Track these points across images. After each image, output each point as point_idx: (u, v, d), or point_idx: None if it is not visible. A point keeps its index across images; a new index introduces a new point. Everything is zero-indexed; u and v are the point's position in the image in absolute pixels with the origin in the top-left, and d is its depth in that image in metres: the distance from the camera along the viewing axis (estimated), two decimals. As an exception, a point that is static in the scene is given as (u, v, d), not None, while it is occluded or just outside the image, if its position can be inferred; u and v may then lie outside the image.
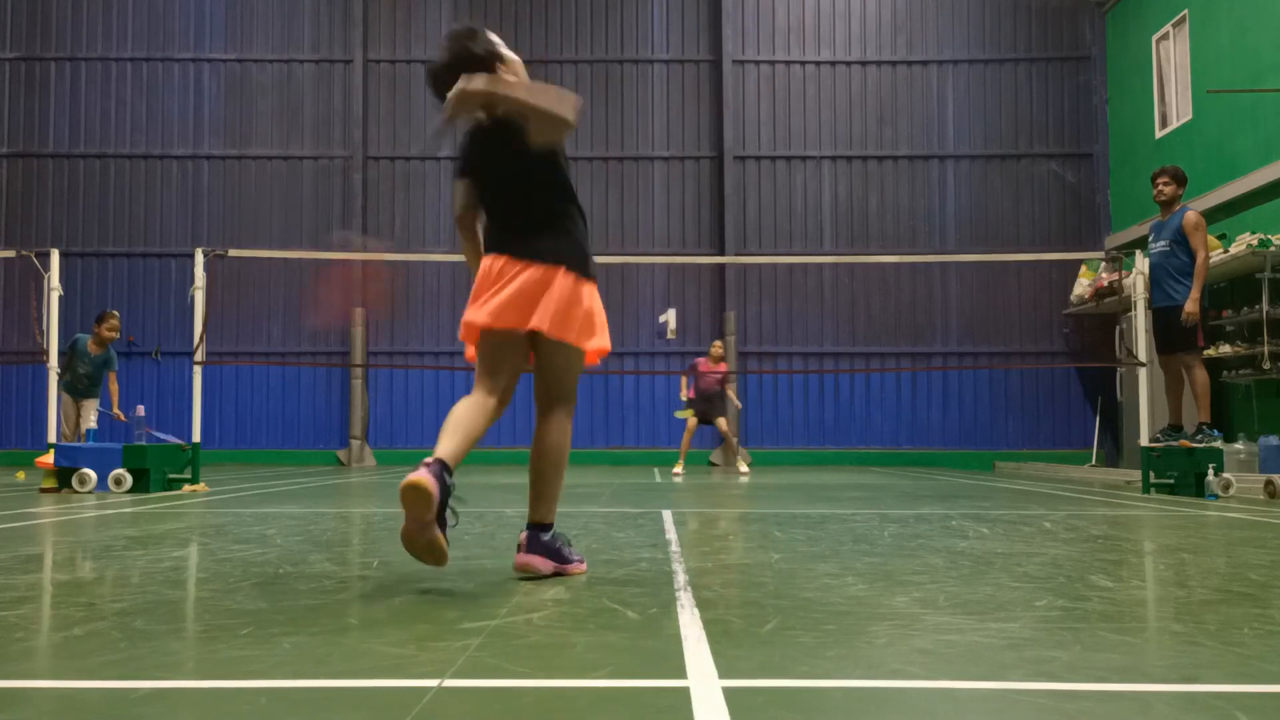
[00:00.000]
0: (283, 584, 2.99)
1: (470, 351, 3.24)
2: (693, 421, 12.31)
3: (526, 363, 3.27)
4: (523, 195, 3.20)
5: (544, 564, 3.14)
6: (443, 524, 2.84)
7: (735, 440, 12.51)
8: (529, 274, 3.09)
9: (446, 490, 2.82)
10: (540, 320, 3.06)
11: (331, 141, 17.16)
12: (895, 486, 9.00)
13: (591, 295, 3.18)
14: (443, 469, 2.83)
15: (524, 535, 3.18)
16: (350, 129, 17.02)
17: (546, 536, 3.17)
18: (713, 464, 16.38)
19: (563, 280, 3.09)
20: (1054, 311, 16.72)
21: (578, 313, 3.12)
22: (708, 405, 12.26)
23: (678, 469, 12.17)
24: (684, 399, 12.87)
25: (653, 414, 16.73)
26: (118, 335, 10.56)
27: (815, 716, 1.61)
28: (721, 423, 12.29)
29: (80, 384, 10.55)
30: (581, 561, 3.28)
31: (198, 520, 5.24)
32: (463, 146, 3.29)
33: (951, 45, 17.19)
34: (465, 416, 3.05)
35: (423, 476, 2.75)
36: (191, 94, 17.28)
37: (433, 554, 2.85)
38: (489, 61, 3.11)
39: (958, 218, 17.00)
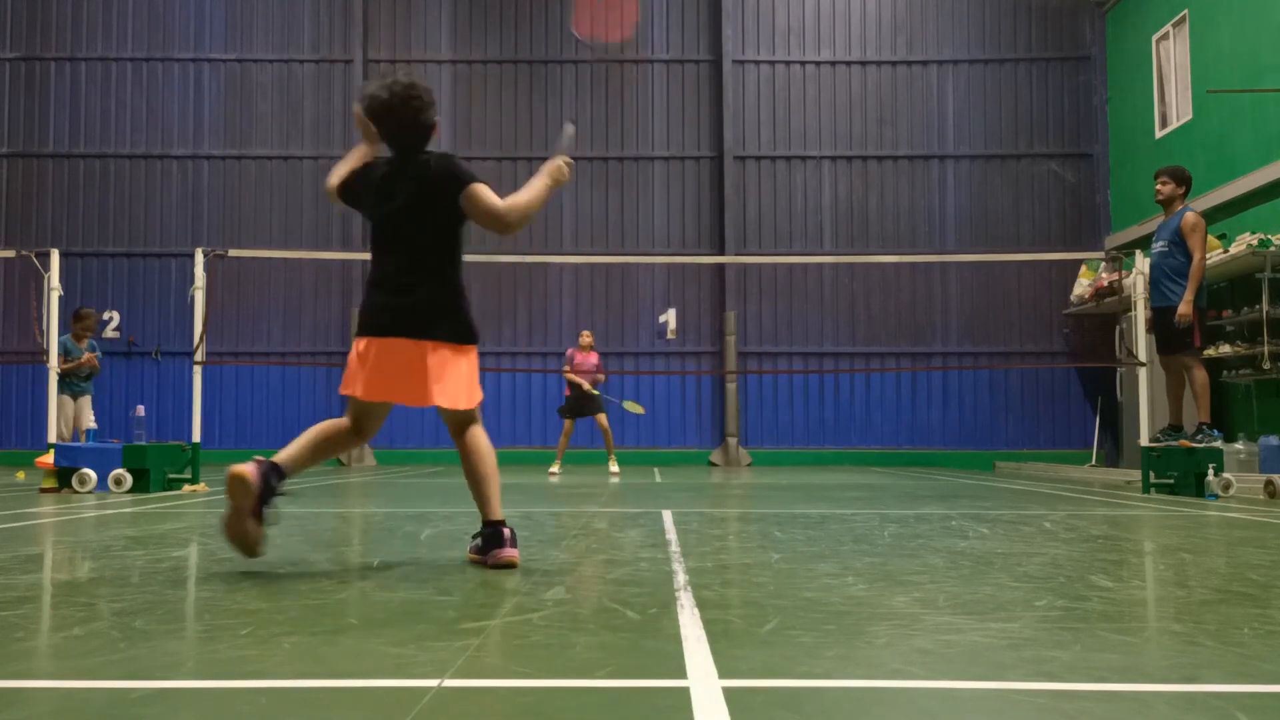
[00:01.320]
0: (283, 584, 2.99)
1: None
2: (569, 425, 12.02)
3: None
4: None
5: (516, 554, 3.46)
6: (260, 518, 3.15)
7: (611, 439, 12.07)
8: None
9: (270, 489, 3.15)
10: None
11: (331, 141, 17.16)
12: (895, 486, 9.00)
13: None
14: (272, 470, 3.15)
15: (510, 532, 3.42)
16: (350, 129, 17.00)
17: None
18: (713, 464, 16.38)
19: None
20: (1054, 311, 16.72)
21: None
22: (583, 401, 11.91)
23: (554, 468, 11.89)
24: (634, 409, 12.79)
25: (652, 414, 16.71)
26: (90, 334, 10.68)
27: (815, 716, 1.61)
28: (601, 419, 11.94)
29: (78, 382, 10.61)
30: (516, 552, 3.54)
31: (198, 520, 5.24)
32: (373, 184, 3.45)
33: (951, 45, 17.19)
34: (321, 432, 3.37)
35: (247, 468, 3.10)
36: (191, 94, 17.29)
37: (244, 545, 3.17)
38: (430, 129, 3.43)
39: (958, 218, 17.00)
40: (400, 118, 3.34)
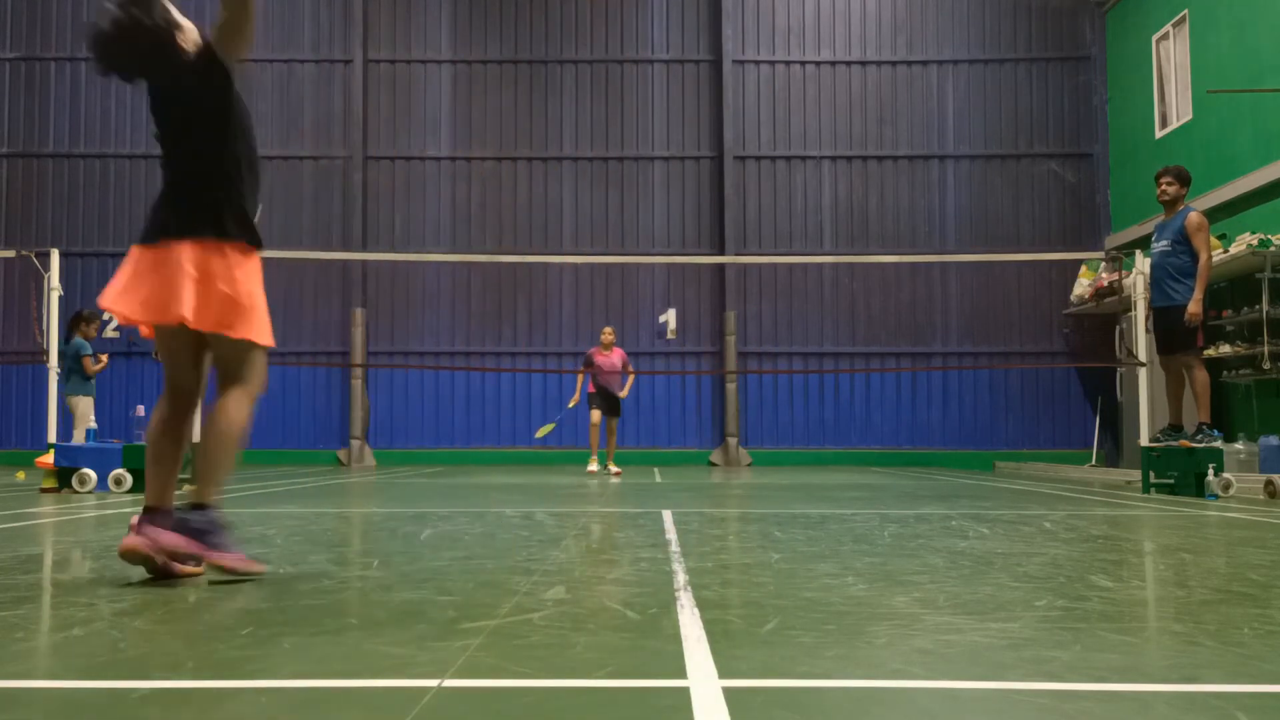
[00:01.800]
0: (283, 584, 2.99)
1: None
2: (596, 416, 11.85)
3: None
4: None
5: (183, 543, 2.94)
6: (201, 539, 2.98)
7: (614, 441, 12.04)
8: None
9: (179, 520, 2.96)
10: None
11: (331, 141, 17.16)
12: (895, 486, 9.00)
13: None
14: (150, 518, 2.95)
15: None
16: (350, 129, 17.02)
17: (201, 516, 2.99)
18: (713, 464, 16.38)
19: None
20: (1054, 311, 16.72)
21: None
22: (611, 399, 11.89)
23: (593, 465, 11.79)
24: (570, 405, 12.56)
25: (652, 414, 16.73)
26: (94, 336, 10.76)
27: (815, 716, 1.61)
28: (613, 421, 11.91)
29: (93, 380, 10.68)
30: (241, 556, 3.00)
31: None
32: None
33: (951, 45, 17.19)
34: (153, 439, 3.11)
35: (130, 541, 2.90)
36: (191, 94, 17.27)
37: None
38: (166, 31, 2.93)
39: (958, 218, 17.00)
40: (135, 56, 2.95)
